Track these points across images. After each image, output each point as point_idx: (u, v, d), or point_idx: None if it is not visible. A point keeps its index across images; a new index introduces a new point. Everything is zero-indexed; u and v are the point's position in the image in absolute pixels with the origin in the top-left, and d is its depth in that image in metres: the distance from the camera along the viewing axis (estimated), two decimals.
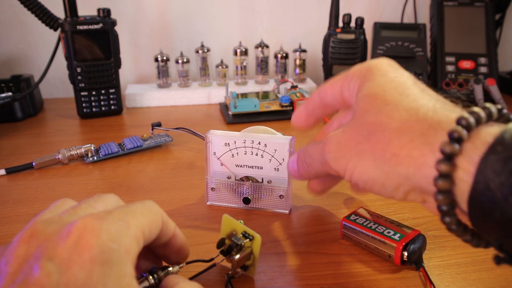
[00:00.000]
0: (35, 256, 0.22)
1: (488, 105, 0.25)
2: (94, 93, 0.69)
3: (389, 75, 0.29)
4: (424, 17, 0.92)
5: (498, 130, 0.23)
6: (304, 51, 0.82)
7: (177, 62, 0.78)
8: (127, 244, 0.23)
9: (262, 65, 0.81)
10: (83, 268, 0.21)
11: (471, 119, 0.23)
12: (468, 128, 0.23)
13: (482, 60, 0.73)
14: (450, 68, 0.74)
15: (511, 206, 0.21)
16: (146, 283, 0.27)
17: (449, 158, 0.23)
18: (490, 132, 0.23)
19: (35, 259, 0.21)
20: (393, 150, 0.26)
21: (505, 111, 0.25)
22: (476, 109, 0.24)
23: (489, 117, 0.24)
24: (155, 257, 0.30)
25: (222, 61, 0.80)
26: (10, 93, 0.65)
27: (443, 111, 0.26)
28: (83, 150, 0.54)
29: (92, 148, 0.55)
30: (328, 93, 0.33)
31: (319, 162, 0.31)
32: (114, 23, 0.68)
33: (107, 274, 0.21)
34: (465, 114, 0.24)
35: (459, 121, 0.23)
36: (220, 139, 0.40)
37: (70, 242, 0.22)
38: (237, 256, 0.30)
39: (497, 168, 0.21)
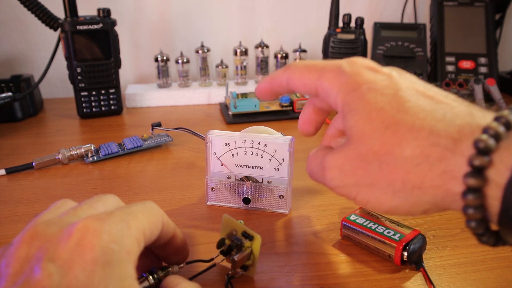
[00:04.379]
0: (36, 258, 0.21)
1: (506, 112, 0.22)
2: (94, 93, 0.69)
3: (376, 87, 0.26)
4: (424, 17, 0.92)
5: None
6: (304, 51, 0.83)
7: (177, 62, 0.78)
8: (128, 245, 0.23)
9: (262, 65, 0.81)
10: (85, 269, 0.21)
11: (500, 128, 0.21)
12: (497, 137, 0.21)
13: (482, 60, 0.73)
14: (450, 68, 0.74)
15: None
16: (146, 283, 0.27)
17: (477, 172, 0.21)
18: None
19: (36, 260, 0.21)
20: (413, 181, 0.24)
21: None
22: (503, 112, 0.22)
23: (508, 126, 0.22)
24: (155, 257, 0.30)
25: (222, 61, 0.80)
26: (10, 93, 0.64)
27: (454, 119, 0.23)
28: (83, 150, 0.54)
29: (92, 148, 0.55)
30: (296, 83, 0.30)
31: (321, 181, 0.30)
32: (114, 23, 0.68)
33: (108, 275, 0.21)
34: (492, 123, 0.21)
35: (485, 130, 0.21)
36: (220, 139, 0.40)
37: (71, 243, 0.22)
38: (237, 256, 0.30)
39: None
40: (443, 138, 0.23)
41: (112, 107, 0.71)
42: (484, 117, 0.23)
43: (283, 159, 0.39)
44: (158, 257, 0.30)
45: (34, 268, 0.21)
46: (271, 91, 0.33)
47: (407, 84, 0.26)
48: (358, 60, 0.28)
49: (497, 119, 0.22)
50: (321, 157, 0.29)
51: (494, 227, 0.23)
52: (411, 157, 0.24)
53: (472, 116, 0.23)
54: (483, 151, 0.21)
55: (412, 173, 0.24)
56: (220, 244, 0.32)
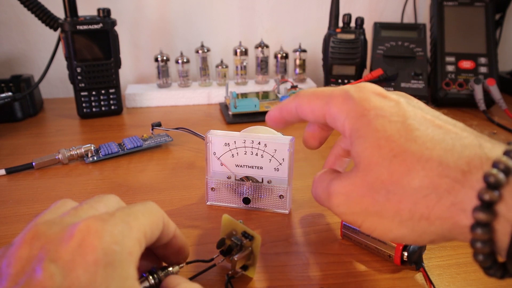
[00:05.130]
0: (37, 258, 0.21)
1: None
2: (94, 93, 0.69)
3: (384, 114, 0.26)
4: (424, 17, 0.92)
5: None
6: (304, 51, 0.83)
7: (177, 62, 0.78)
8: (130, 246, 0.23)
9: (262, 65, 0.81)
10: (87, 270, 0.21)
11: (510, 162, 0.21)
12: (507, 171, 0.21)
13: (482, 60, 0.73)
14: (450, 68, 0.74)
15: None
16: (146, 283, 0.27)
17: (487, 206, 0.21)
18: None
19: (38, 261, 0.21)
20: (421, 212, 0.23)
21: None
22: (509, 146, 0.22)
23: None
24: (155, 257, 0.30)
25: (222, 61, 0.80)
26: (10, 93, 0.64)
27: (463, 150, 0.23)
28: (83, 150, 0.54)
29: (92, 148, 0.55)
30: (305, 110, 0.31)
31: (327, 206, 0.29)
32: (114, 23, 0.68)
33: (110, 276, 0.21)
34: (502, 157, 0.21)
35: (495, 164, 0.21)
36: (220, 139, 0.40)
37: (73, 244, 0.22)
38: (237, 256, 0.30)
39: None
40: (452, 169, 0.23)
41: (112, 107, 0.71)
42: (494, 148, 0.23)
43: (283, 159, 0.39)
44: (158, 257, 0.30)
45: (36, 269, 0.21)
46: (281, 119, 0.33)
47: (416, 111, 0.26)
48: (366, 85, 0.28)
49: (506, 153, 0.22)
50: (327, 182, 0.29)
51: (501, 259, 0.22)
52: (420, 187, 0.23)
53: (481, 148, 0.23)
54: (493, 185, 0.21)
55: (420, 203, 0.23)
56: (220, 244, 0.32)
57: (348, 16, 0.74)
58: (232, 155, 0.40)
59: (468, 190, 0.22)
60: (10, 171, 0.51)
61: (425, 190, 0.23)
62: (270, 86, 0.81)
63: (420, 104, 0.28)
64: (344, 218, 0.28)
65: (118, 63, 0.70)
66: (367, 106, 0.26)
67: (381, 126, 0.25)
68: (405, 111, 0.26)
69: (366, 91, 0.27)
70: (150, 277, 0.27)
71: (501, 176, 0.21)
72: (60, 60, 0.71)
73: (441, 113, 0.27)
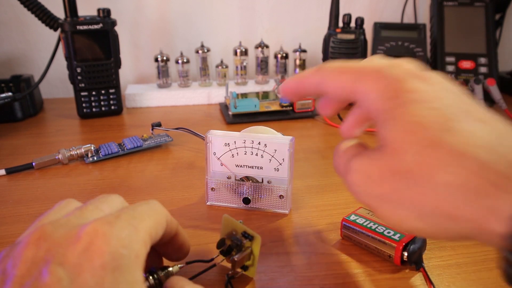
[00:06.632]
0: (44, 261, 0.21)
1: None
2: (94, 93, 0.69)
3: (420, 98, 0.23)
4: (424, 17, 0.92)
5: None
6: (304, 51, 0.83)
7: (177, 62, 0.78)
8: (137, 249, 0.23)
9: (262, 65, 0.81)
10: (94, 275, 0.21)
11: None
12: None
13: (482, 60, 0.73)
14: (450, 68, 0.74)
15: None
16: (146, 283, 0.27)
17: None
18: None
19: (45, 263, 0.21)
20: (446, 210, 0.22)
21: None
22: None
23: None
24: (155, 257, 0.30)
25: (222, 61, 0.80)
26: (10, 93, 0.65)
27: (506, 151, 0.21)
28: (83, 150, 0.54)
29: (92, 148, 0.55)
30: (330, 86, 0.27)
31: (344, 181, 0.27)
32: (114, 23, 0.68)
33: (118, 280, 0.21)
34: None
35: None
36: (220, 139, 0.40)
37: (80, 247, 0.21)
38: (237, 256, 0.30)
39: None
40: (492, 172, 0.21)
41: (112, 107, 0.71)
42: None
43: (283, 159, 0.39)
44: (158, 256, 0.30)
45: (43, 272, 0.21)
46: (297, 91, 0.30)
47: (454, 99, 0.24)
48: (402, 64, 0.26)
49: None
50: (350, 156, 0.27)
51: None
52: (450, 184, 0.21)
53: None
54: None
55: (446, 200, 0.22)
56: (220, 244, 0.32)
57: (348, 16, 0.74)
58: (232, 155, 0.40)
59: (507, 195, 0.20)
60: (10, 171, 0.51)
61: (456, 188, 0.21)
62: (270, 86, 0.81)
63: (462, 91, 0.25)
64: (359, 199, 0.26)
65: (118, 63, 0.70)
66: (403, 87, 0.24)
67: (416, 111, 0.23)
68: (443, 98, 0.24)
69: (403, 70, 0.25)
70: (150, 277, 0.27)
71: None
72: (60, 60, 0.71)
73: (481, 104, 0.24)
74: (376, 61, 0.26)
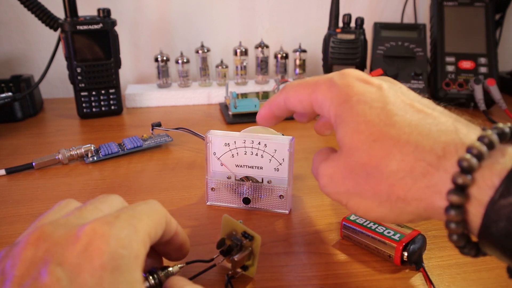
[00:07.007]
0: (43, 261, 0.21)
1: (500, 125, 0.23)
2: (94, 93, 0.69)
3: (365, 100, 0.27)
4: (424, 17, 0.92)
5: (510, 164, 0.21)
6: (304, 51, 0.83)
7: (177, 62, 0.78)
8: (136, 249, 0.23)
9: (262, 65, 0.81)
10: (93, 275, 0.21)
11: (483, 148, 0.22)
12: (480, 157, 0.22)
13: (482, 60, 0.73)
14: (450, 68, 0.74)
15: None
16: (146, 283, 0.27)
17: (460, 189, 0.22)
18: (503, 166, 0.22)
19: (44, 263, 0.21)
20: (397, 193, 0.25)
21: None
22: (487, 132, 0.23)
23: (502, 138, 0.23)
24: (155, 257, 0.30)
25: (222, 61, 0.80)
26: (10, 93, 0.65)
27: (439, 135, 0.24)
28: (83, 150, 0.54)
29: (92, 148, 0.55)
30: (293, 101, 0.32)
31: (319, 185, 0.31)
32: (114, 23, 0.68)
33: (117, 281, 0.21)
34: (475, 142, 0.22)
35: (469, 150, 0.22)
36: (220, 139, 0.40)
37: (79, 247, 0.21)
38: (237, 256, 0.30)
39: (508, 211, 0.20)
40: (427, 154, 0.24)
41: (112, 107, 0.71)
42: (469, 134, 0.24)
43: (283, 159, 0.39)
44: (158, 256, 0.30)
45: (42, 272, 0.21)
46: (271, 115, 0.34)
47: (396, 96, 0.27)
48: (349, 72, 0.29)
49: (480, 138, 0.22)
50: (318, 163, 0.30)
51: (474, 238, 0.24)
52: (396, 170, 0.25)
53: (457, 133, 0.24)
54: (466, 170, 0.22)
55: (397, 185, 0.25)
56: (220, 244, 0.32)
57: (348, 16, 0.74)
58: (232, 155, 0.40)
59: (442, 173, 0.23)
60: (10, 171, 0.51)
61: (402, 173, 0.24)
62: (270, 86, 0.81)
63: (403, 89, 0.28)
64: (331, 197, 0.30)
65: (118, 63, 0.70)
66: (350, 92, 0.27)
67: (362, 111, 0.26)
68: (386, 96, 0.27)
69: (350, 77, 0.28)
70: (150, 277, 0.27)
71: (474, 161, 0.22)
72: (60, 60, 0.71)
73: (423, 97, 0.28)
74: (328, 74, 0.30)
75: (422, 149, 0.24)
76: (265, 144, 0.39)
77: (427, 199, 0.24)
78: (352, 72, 0.29)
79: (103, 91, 0.70)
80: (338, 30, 0.74)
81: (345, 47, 0.73)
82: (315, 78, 0.30)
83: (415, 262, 0.33)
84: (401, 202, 0.25)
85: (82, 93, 0.69)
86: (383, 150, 0.25)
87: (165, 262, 0.31)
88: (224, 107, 0.73)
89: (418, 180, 0.24)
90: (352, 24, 0.75)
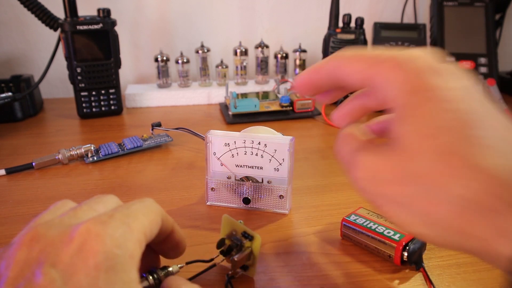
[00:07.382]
0: (37, 261, 0.21)
1: None
2: (94, 93, 0.69)
3: (442, 98, 0.21)
4: (424, 17, 0.92)
5: None
6: (304, 51, 0.83)
7: (177, 62, 0.78)
8: (131, 248, 0.22)
9: (262, 65, 0.81)
10: (88, 275, 0.21)
11: None
12: None
13: (482, 60, 0.73)
14: None
15: None
16: (146, 283, 0.27)
17: None
18: None
19: (38, 264, 0.21)
20: (454, 222, 0.21)
21: None
22: None
23: None
24: (155, 257, 0.30)
25: (222, 61, 0.80)
26: (10, 93, 0.65)
27: None
28: (83, 150, 0.54)
29: (92, 148, 0.55)
30: (345, 71, 0.25)
31: (346, 172, 0.26)
32: (114, 23, 0.68)
33: (112, 281, 0.21)
34: None
35: None
36: (220, 139, 0.40)
37: (73, 247, 0.21)
38: (237, 256, 0.30)
39: None
40: (507, 191, 0.19)
41: (112, 107, 0.71)
42: None
43: (283, 159, 0.39)
44: (157, 256, 0.30)
45: (36, 273, 0.21)
46: (312, 83, 0.28)
47: (482, 105, 0.22)
48: (420, 56, 0.23)
49: None
50: (355, 147, 0.25)
51: None
52: (461, 197, 0.20)
53: None
54: None
55: (457, 215, 0.21)
56: (220, 244, 0.32)
57: (348, 16, 0.74)
58: (232, 155, 0.40)
59: None
60: (10, 171, 0.51)
61: (467, 202, 0.20)
62: (270, 86, 0.81)
63: (481, 91, 0.23)
64: (363, 195, 0.25)
65: (118, 63, 0.70)
66: (423, 83, 0.22)
67: (435, 112, 0.21)
68: (466, 100, 0.21)
69: (421, 64, 0.23)
70: (150, 277, 0.27)
71: None
72: (60, 60, 0.71)
73: (501, 110, 0.22)
74: (391, 51, 0.24)
75: (499, 182, 0.19)
76: (265, 144, 0.39)
77: (488, 240, 0.20)
78: (424, 56, 0.23)
79: (103, 91, 0.70)
80: (338, 30, 0.74)
81: (345, 47, 0.73)
82: (374, 52, 0.25)
83: (415, 262, 0.33)
84: (454, 232, 0.21)
85: (82, 93, 0.69)
86: (450, 169, 0.20)
87: (165, 262, 0.31)
88: (224, 107, 0.73)
89: (484, 217, 0.20)
90: (352, 24, 0.75)
